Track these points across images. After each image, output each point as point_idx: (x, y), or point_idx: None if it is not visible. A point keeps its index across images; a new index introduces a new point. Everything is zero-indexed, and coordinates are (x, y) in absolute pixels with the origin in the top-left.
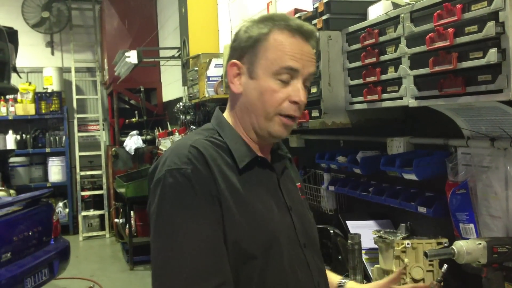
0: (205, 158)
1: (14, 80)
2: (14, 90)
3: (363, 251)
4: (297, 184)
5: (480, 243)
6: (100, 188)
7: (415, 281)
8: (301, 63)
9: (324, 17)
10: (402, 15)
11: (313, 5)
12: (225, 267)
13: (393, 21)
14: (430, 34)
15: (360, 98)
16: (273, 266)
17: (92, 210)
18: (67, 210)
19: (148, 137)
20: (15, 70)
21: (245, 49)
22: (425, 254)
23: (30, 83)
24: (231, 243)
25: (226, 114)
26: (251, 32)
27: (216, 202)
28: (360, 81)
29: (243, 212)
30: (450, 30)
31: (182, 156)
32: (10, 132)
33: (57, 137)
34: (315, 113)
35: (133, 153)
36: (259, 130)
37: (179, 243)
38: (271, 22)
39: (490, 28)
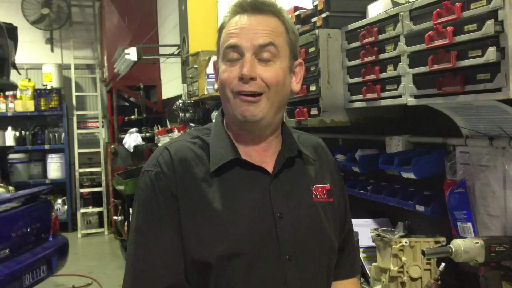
0: (172, 160)
1: (14, 76)
2: (14, 87)
3: (361, 250)
4: (320, 185)
5: (478, 242)
6: (99, 185)
7: (412, 279)
8: (242, 38)
9: (324, 15)
10: (401, 13)
11: (312, 3)
12: (175, 270)
13: (393, 19)
14: (429, 33)
15: (359, 96)
16: (229, 279)
17: (91, 207)
18: (66, 207)
19: (148, 134)
20: (14, 66)
21: (216, 46)
22: (423, 253)
23: (29, 80)
24: (185, 251)
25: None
26: (219, 28)
27: (176, 206)
28: (359, 79)
29: (204, 219)
30: (449, 28)
31: (154, 159)
32: (9, 128)
33: (56, 134)
34: (314, 111)
35: (132, 151)
36: (232, 117)
37: (137, 243)
38: (228, 11)
39: (489, 27)
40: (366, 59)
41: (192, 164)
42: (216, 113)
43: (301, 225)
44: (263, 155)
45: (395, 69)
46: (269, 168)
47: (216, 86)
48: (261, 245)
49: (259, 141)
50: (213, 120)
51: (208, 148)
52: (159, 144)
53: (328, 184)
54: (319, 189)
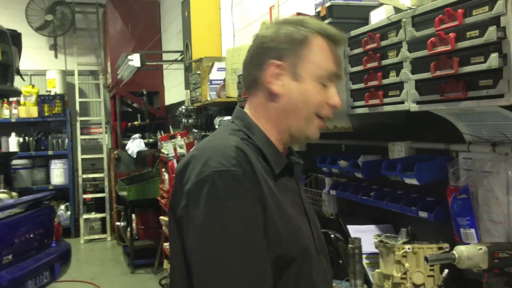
0: (251, 161)
1: (17, 82)
2: (17, 93)
3: (364, 256)
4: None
5: (481, 248)
6: (102, 191)
7: (415, 286)
8: (341, 69)
9: (326, 21)
10: (403, 19)
11: (315, 9)
12: (271, 275)
13: (395, 25)
14: (432, 39)
15: (362, 102)
16: (305, 276)
17: (93, 213)
18: (68, 212)
19: (151, 140)
20: (18, 72)
21: (285, 50)
22: (426, 259)
23: (33, 86)
24: (272, 251)
25: (251, 115)
26: (292, 34)
27: (262, 208)
28: (361, 85)
29: (282, 220)
30: (452, 34)
31: (229, 158)
32: (13, 134)
33: (59, 140)
34: None
35: (135, 156)
36: (297, 132)
37: (230, 248)
38: (309, 26)
39: (491, 33)
40: (369, 65)
41: (259, 165)
42: (219, 119)
43: (316, 222)
44: None
45: (397, 75)
46: None
47: (278, 90)
48: (311, 240)
49: (285, 149)
50: (216, 126)
51: (257, 150)
52: (162, 150)
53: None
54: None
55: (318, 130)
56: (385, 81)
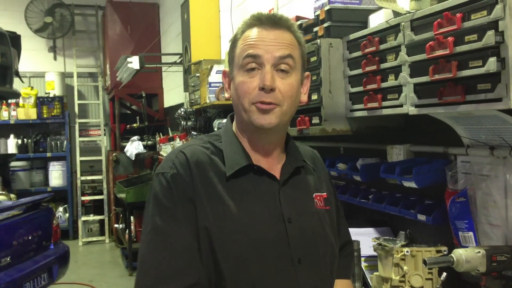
0: (188, 163)
1: (16, 84)
2: (16, 95)
3: (362, 259)
4: (318, 194)
5: (479, 252)
6: (101, 193)
7: None
8: (262, 49)
9: (326, 24)
10: (402, 23)
11: (314, 12)
12: (197, 269)
13: (394, 29)
14: (430, 43)
15: (361, 106)
16: (244, 278)
17: (92, 215)
18: (67, 215)
19: (149, 142)
20: (17, 74)
21: (229, 55)
22: (424, 262)
23: (32, 88)
24: (202, 252)
25: (234, 122)
26: (231, 38)
27: (193, 207)
28: (360, 88)
29: (221, 221)
30: (450, 38)
31: (169, 161)
32: (12, 136)
33: (58, 142)
34: (315, 120)
35: (134, 159)
36: (247, 125)
37: (156, 242)
38: (244, 22)
39: (489, 37)
40: (368, 69)
41: (207, 167)
42: (218, 121)
43: (308, 230)
44: (271, 162)
45: (396, 78)
46: (277, 175)
47: (227, 95)
48: (274, 247)
49: (268, 149)
50: (215, 129)
51: (220, 153)
52: (161, 152)
53: (325, 193)
54: (318, 197)
55: (259, 114)
56: (383, 85)
